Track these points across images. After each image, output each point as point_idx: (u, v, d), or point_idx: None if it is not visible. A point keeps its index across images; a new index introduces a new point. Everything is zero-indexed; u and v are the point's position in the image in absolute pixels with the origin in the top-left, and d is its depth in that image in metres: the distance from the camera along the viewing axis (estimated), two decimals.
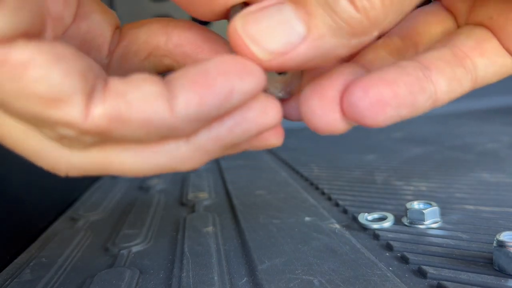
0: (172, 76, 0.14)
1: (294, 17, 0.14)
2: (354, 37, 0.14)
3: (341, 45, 0.14)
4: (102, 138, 0.14)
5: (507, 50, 0.19)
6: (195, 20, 0.19)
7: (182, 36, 0.19)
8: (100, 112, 0.13)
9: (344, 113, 0.16)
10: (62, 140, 0.15)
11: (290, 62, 0.15)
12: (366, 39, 0.14)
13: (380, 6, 0.13)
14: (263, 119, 0.16)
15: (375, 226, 0.27)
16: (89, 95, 0.13)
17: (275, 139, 0.18)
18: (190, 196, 0.39)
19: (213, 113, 0.14)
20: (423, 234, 0.26)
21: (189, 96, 0.14)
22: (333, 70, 0.16)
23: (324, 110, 0.16)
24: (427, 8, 0.21)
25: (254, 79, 0.14)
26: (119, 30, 0.20)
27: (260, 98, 0.16)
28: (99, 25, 0.19)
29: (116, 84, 0.14)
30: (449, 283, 0.20)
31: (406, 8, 0.14)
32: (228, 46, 0.19)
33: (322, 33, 0.14)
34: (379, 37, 0.17)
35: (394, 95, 0.15)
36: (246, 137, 0.16)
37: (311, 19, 0.14)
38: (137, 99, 0.13)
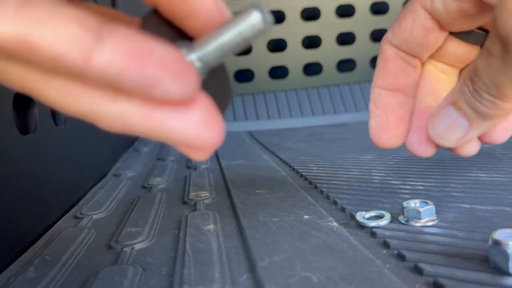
0: (116, 27, 0.14)
1: (459, 117, 0.25)
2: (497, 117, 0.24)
3: (490, 123, 0.25)
4: (14, 58, 0.14)
5: None
6: None
7: None
8: (6, 28, 0.13)
9: None
10: None
11: (462, 143, 0.26)
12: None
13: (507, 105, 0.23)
14: (186, 134, 0.15)
15: (372, 224, 0.28)
16: None
17: (196, 155, 0.17)
18: (192, 194, 0.39)
19: (127, 88, 0.14)
20: (419, 232, 0.26)
21: (116, 58, 0.13)
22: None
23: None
24: None
25: (184, 88, 0.14)
26: (78, 3, 0.20)
27: (198, 113, 0.15)
28: None
29: (42, 6, 0.13)
30: (445, 280, 0.20)
31: None
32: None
33: (479, 124, 0.24)
34: None
35: None
36: (165, 137, 0.16)
37: (470, 118, 0.24)
38: (54, 33, 0.13)
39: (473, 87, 0.23)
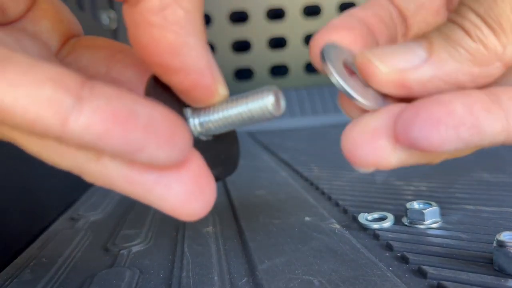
0: (97, 86, 0.13)
1: (417, 45, 0.16)
2: (475, 65, 0.16)
3: (462, 71, 0.16)
4: None
5: None
6: None
7: (122, 73, 0.19)
8: None
9: (397, 139, 0.16)
10: None
11: (410, 80, 0.16)
12: (489, 70, 0.16)
13: (494, 37, 0.15)
14: (171, 203, 0.15)
15: (375, 226, 0.27)
16: None
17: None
18: None
19: (108, 152, 0.13)
20: (423, 234, 0.26)
21: (95, 122, 0.12)
22: (380, 108, 0.17)
23: (365, 138, 0.16)
24: None
25: (171, 153, 0.13)
26: (77, 40, 0.20)
27: (186, 181, 0.15)
28: (46, 33, 0.18)
29: (18, 66, 0.12)
30: (449, 283, 0.20)
31: None
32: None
33: (443, 57, 0.16)
34: None
35: (448, 113, 0.15)
36: (148, 202, 0.15)
37: (433, 46, 0.16)
38: (28, 97, 0.12)
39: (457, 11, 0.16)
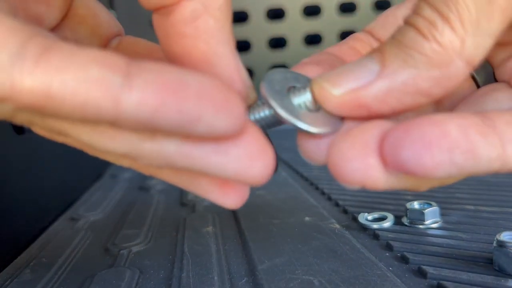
0: (143, 63, 0.12)
1: (369, 59, 0.15)
2: (433, 67, 0.14)
3: (421, 77, 0.14)
4: (41, 113, 0.12)
5: None
6: None
7: None
8: (26, 84, 0.11)
9: (384, 160, 0.14)
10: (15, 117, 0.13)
11: (365, 98, 0.15)
12: (451, 71, 0.14)
13: (451, 32, 0.14)
14: (230, 169, 0.14)
15: (375, 226, 0.27)
16: (16, 58, 0.11)
17: (232, 199, 0.16)
18: (190, 196, 0.39)
19: (165, 127, 0.12)
20: (423, 234, 0.26)
21: (148, 96, 0.12)
22: (370, 120, 0.15)
23: (355, 153, 0.14)
24: None
25: (227, 120, 0.13)
26: (119, 42, 0.20)
27: (245, 144, 0.14)
28: (86, 39, 0.19)
29: (61, 52, 0.12)
30: (449, 283, 0.20)
31: (490, 30, 0.14)
32: None
33: (397, 66, 0.14)
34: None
35: (443, 135, 0.13)
36: (209, 173, 0.14)
37: (385, 56, 0.15)
38: (76, 79, 0.11)
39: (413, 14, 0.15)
